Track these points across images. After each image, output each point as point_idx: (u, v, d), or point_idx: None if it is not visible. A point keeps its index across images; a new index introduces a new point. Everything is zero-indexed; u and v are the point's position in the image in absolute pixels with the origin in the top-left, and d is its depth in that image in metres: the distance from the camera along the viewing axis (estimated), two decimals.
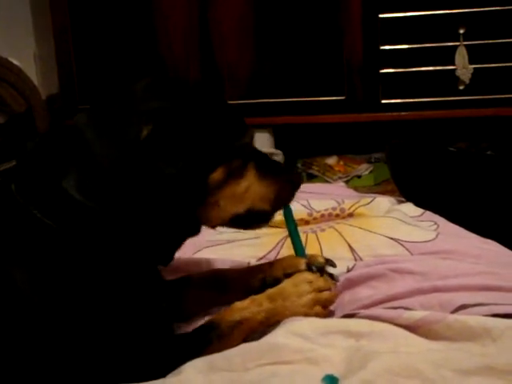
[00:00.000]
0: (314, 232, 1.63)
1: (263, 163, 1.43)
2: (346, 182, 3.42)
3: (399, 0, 3.36)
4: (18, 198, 1.24)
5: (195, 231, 1.39)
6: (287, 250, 1.60)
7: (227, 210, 1.37)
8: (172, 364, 1.22)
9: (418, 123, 3.45)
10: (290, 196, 1.45)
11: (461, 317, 1.24)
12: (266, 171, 1.42)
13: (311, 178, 3.54)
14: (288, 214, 1.47)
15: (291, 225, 1.47)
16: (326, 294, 1.38)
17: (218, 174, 1.31)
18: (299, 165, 3.64)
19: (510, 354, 1.16)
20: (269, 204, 1.41)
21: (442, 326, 1.23)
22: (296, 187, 1.46)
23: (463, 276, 1.40)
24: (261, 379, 1.16)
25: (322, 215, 1.76)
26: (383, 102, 3.47)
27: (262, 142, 3.57)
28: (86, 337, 1.19)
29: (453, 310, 1.30)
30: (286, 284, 1.37)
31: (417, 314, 1.26)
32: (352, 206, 1.79)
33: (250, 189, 1.38)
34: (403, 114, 3.43)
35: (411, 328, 1.26)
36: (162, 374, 1.21)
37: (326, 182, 3.51)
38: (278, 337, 1.24)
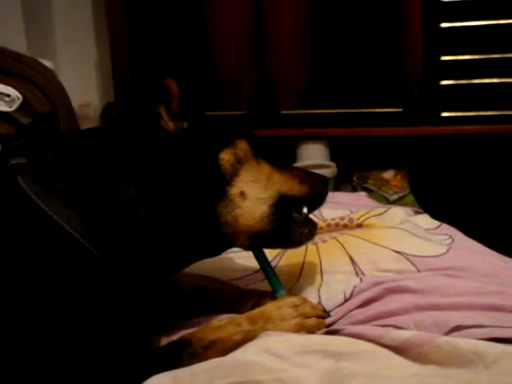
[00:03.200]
0: (315, 243, 1.53)
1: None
2: (402, 198, 3.29)
3: (461, 9, 3.23)
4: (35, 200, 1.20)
5: (225, 242, 1.33)
6: (285, 264, 1.50)
7: (257, 197, 1.30)
8: (138, 379, 1.13)
9: (478, 137, 3.28)
10: (320, 187, 1.40)
11: (452, 339, 1.12)
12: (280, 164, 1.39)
13: (366, 192, 3.41)
14: (259, 253, 1.39)
15: (264, 263, 1.39)
16: (312, 321, 1.28)
17: (226, 154, 1.29)
18: (355, 178, 3.52)
19: None
20: (299, 188, 1.36)
21: (431, 348, 1.11)
22: (323, 181, 1.42)
23: (465, 295, 1.27)
24: None
25: (329, 225, 1.65)
26: (443, 114, 3.33)
27: (317, 153, 3.48)
28: (54, 346, 1.12)
29: (447, 331, 1.18)
30: (270, 306, 1.29)
31: (404, 334, 1.14)
32: (362, 216, 1.68)
33: (273, 172, 1.35)
34: (464, 127, 3.27)
35: (399, 349, 1.14)
36: None
37: (382, 196, 3.38)
38: (248, 354, 1.14)
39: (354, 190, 3.46)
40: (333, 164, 3.49)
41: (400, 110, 3.37)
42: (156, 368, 1.15)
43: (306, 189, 1.38)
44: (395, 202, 3.24)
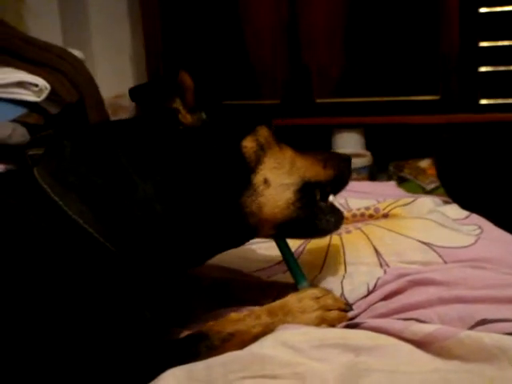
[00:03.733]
0: (339, 234, 1.49)
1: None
2: (439, 187, 3.23)
3: None
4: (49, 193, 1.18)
5: (249, 232, 1.30)
6: (309, 255, 1.47)
7: (281, 184, 1.27)
8: (154, 373, 1.11)
9: None
10: (344, 168, 1.37)
11: (475, 333, 1.07)
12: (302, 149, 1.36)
13: (402, 181, 3.36)
14: (282, 243, 1.35)
15: (287, 253, 1.35)
16: (334, 313, 1.24)
17: (248, 141, 1.26)
18: (390, 167, 3.46)
19: None
20: (323, 172, 1.33)
21: (454, 342, 1.07)
22: (346, 160, 1.38)
23: (491, 287, 1.23)
24: None
25: (354, 215, 1.61)
26: (482, 102, 3.26)
27: (352, 142, 3.44)
28: (65, 340, 1.10)
29: (473, 325, 1.13)
30: (290, 298, 1.25)
31: (426, 328, 1.10)
32: (388, 206, 1.63)
33: (296, 157, 1.32)
34: (503, 115, 3.20)
35: (421, 344, 1.10)
36: (143, 381, 1.11)
37: (419, 186, 3.32)
38: (264, 347, 1.11)
39: (390, 179, 3.40)
40: (368, 153, 3.44)
41: (437, 97, 3.31)
42: (172, 361, 1.13)
43: (331, 173, 1.35)
44: (432, 192, 3.17)
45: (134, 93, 1.27)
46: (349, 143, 3.41)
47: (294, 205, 1.28)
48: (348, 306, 1.28)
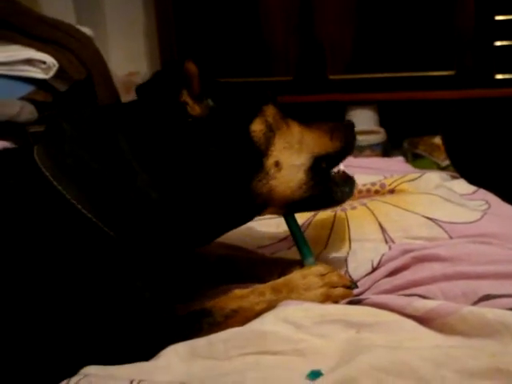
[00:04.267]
0: (344, 210, 1.47)
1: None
2: None
3: None
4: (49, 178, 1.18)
5: (257, 211, 1.29)
6: (313, 231, 1.45)
7: (292, 165, 1.26)
8: (156, 348, 1.12)
9: None
10: (348, 135, 1.35)
11: (477, 309, 1.06)
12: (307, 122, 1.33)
13: (417, 158, 3.33)
14: (290, 217, 1.33)
15: (295, 228, 1.33)
16: (339, 290, 1.23)
17: (257, 124, 1.24)
18: (405, 144, 3.43)
19: None
20: (331, 144, 1.31)
21: (456, 318, 1.06)
22: (349, 126, 1.36)
23: (496, 263, 1.21)
24: (241, 370, 1.04)
25: (360, 191, 1.59)
26: (497, 77, 3.21)
27: (366, 119, 3.41)
28: (66, 318, 1.12)
29: (476, 301, 1.12)
30: (295, 275, 1.24)
31: (428, 304, 1.09)
32: (394, 182, 1.61)
33: (303, 133, 1.30)
34: None
35: (423, 320, 1.09)
36: (146, 357, 1.11)
37: (433, 162, 3.29)
38: (266, 324, 1.10)
39: (404, 156, 3.36)
40: (382, 130, 3.41)
41: (452, 72, 3.27)
42: (175, 337, 1.13)
43: (338, 144, 1.32)
44: (447, 168, 3.14)
45: (140, 90, 1.25)
46: (362, 120, 3.37)
47: (306, 184, 1.27)
48: (353, 284, 1.27)
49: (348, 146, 1.34)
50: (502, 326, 1.02)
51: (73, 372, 1.06)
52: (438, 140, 3.34)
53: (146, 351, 1.12)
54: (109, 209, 1.17)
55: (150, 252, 1.21)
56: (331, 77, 3.42)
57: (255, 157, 1.23)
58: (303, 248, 1.32)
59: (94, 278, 1.14)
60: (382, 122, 3.48)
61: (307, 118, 1.34)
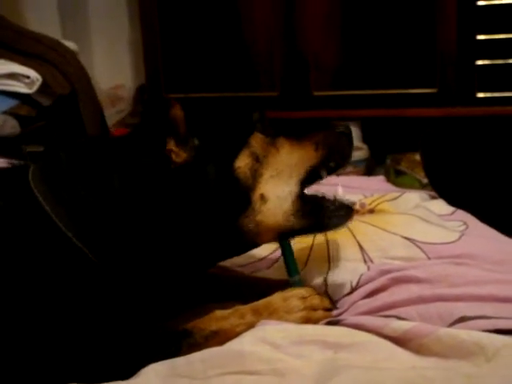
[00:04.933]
0: None
1: (295, 132, 1.32)
2: None
3: None
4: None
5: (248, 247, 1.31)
6: (295, 244, 1.44)
7: (278, 196, 1.24)
8: (136, 367, 1.12)
9: None
10: (343, 143, 1.33)
11: (453, 330, 1.08)
12: (300, 135, 1.31)
13: (399, 174, 3.35)
14: None
15: (285, 243, 1.33)
16: (319, 314, 1.23)
17: (242, 160, 1.23)
18: (388, 160, 3.45)
19: (502, 377, 0.98)
20: (315, 155, 1.29)
21: (432, 339, 1.07)
22: (346, 132, 1.34)
23: (473, 284, 1.23)
24: None
25: None
26: (479, 95, 3.24)
27: None
28: (52, 331, 1.13)
29: (452, 322, 1.14)
30: (276, 297, 1.24)
31: (405, 325, 1.10)
32: (374, 202, 1.63)
33: (293, 152, 1.28)
34: (501, 108, 3.18)
35: (400, 341, 1.10)
36: (125, 376, 1.12)
37: (416, 179, 3.31)
38: (244, 344, 1.11)
39: (387, 172, 3.39)
40: (365, 146, 3.43)
41: (434, 90, 3.29)
42: (154, 357, 1.13)
43: (324, 152, 1.29)
44: (428, 185, 3.16)
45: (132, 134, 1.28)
46: None
47: (294, 215, 1.25)
48: (332, 305, 1.27)
49: (342, 153, 1.33)
50: (477, 348, 1.04)
51: None
52: (419, 157, 3.35)
53: (125, 370, 1.12)
54: (94, 237, 1.17)
55: (135, 279, 1.21)
56: (316, 93, 3.44)
57: (241, 193, 1.22)
58: (291, 264, 1.32)
59: (75, 299, 1.15)
60: (365, 139, 3.50)
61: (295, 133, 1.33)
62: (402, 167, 3.39)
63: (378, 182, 2.00)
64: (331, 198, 1.31)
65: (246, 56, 3.49)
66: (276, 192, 1.24)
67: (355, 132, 3.33)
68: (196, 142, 1.22)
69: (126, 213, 1.19)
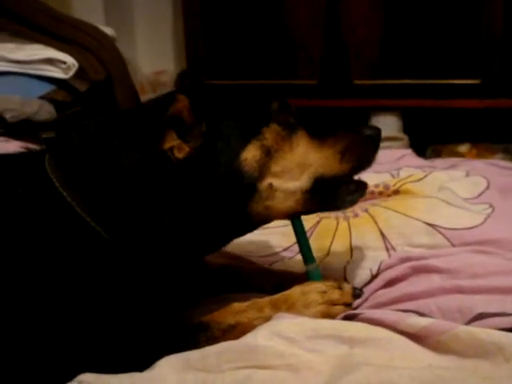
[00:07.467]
0: (347, 219, 1.46)
1: (319, 127, 1.26)
2: None
3: None
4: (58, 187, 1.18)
5: (249, 229, 1.27)
6: (316, 241, 1.44)
7: (286, 188, 1.20)
8: (152, 359, 1.11)
9: None
10: (367, 152, 1.26)
11: (472, 329, 1.04)
12: (324, 133, 1.25)
13: None
14: (297, 221, 1.30)
15: (301, 232, 1.30)
16: (338, 309, 1.20)
17: (250, 151, 1.18)
18: (428, 151, 3.40)
19: None
20: (339, 167, 1.23)
21: (450, 337, 1.04)
22: (374, 137, 1.27)
23: (494, 275, 1.20)
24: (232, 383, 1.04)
25: None
26: None
27: (389, 125, 3.38)
28: (70, 319, 1.12)
29: (471, 319, 1.11)
30: (294, 291, 1.21)
31: (422, 322, 1.08)
32: (398, 182, 1.59)
33: (309, 153, 1.22)
34: None
35: (417, 337, 1.08)
36: (141, 367, 1.11)
37: None
38: (258, 338, 1.09)
39: None
40: (405, 137, 3.38)
41: (477, 81, 3.23)
42: (171, 350, 1.12)
43: (349, 166, 1.23)
44: None
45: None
46: (386, 126, 3.33)
47: (306, 202, 1.22)
48: (359, 291, 1.25)
49: (363, 165, 1.26)
50: (496, 348, 1.01)
51: (68, 378, 1.07)
52: (462, 148, 3.31)
53: (141, 362, 1.11)
54: (111, 219, 1.17)
55: (151, 262, 1.20)
56: (356, 82, 3.40)
57: (247, 183, 1.18)
58: (307, 252, 1.30)
59: (93, 285, 1.14)
60: (406, 129, 3.45)
61: (331, 123, 1.29)
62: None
63: (405, 157, 1.95)
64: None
65: (287, 43, 3.47)
66: (285, 186, 1.21)
67: (395, 122, 3.31)
68: (204, 127, 1.18)
69: (139, 195, 1.17)
